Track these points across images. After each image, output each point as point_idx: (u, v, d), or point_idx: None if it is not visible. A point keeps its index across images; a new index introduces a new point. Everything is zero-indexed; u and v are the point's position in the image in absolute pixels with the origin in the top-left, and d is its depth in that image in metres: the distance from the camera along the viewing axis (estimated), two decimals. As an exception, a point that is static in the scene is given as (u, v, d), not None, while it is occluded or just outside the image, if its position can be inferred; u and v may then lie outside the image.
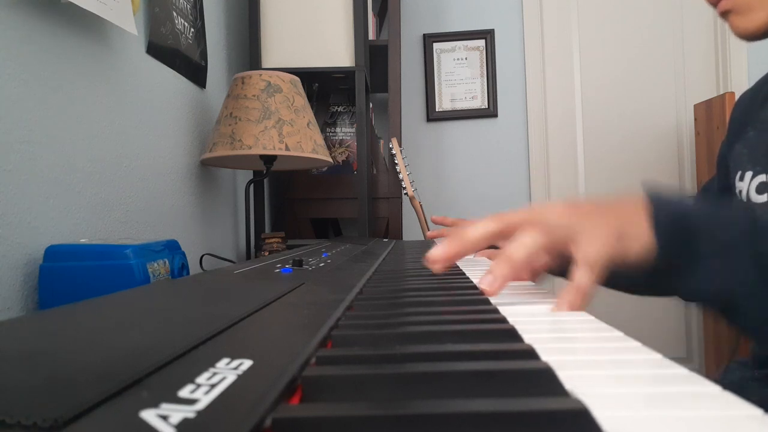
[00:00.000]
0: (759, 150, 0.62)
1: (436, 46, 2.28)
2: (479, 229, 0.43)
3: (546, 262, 0.50)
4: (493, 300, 0.39)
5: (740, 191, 0.64)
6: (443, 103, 2.27)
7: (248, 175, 1.54)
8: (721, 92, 2.13)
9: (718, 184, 0.75)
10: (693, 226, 0.41)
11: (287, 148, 1.11)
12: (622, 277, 0.50)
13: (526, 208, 0.44)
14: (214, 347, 0.23)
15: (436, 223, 1.03)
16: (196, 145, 1.21)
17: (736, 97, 1.88)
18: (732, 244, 0.40)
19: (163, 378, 0.18)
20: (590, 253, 0.40)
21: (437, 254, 0.43)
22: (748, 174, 0.62)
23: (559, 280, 0.57)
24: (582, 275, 0.40)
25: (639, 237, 0.41)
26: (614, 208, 0.43)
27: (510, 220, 0.43)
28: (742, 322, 0.42)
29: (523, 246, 0.40)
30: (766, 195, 0.59)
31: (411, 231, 2.17)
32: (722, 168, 0.73)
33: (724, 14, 0.60)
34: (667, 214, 0.41)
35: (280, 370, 0.20)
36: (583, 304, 0.40)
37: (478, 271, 0.62)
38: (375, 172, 1.77)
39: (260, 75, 1.15)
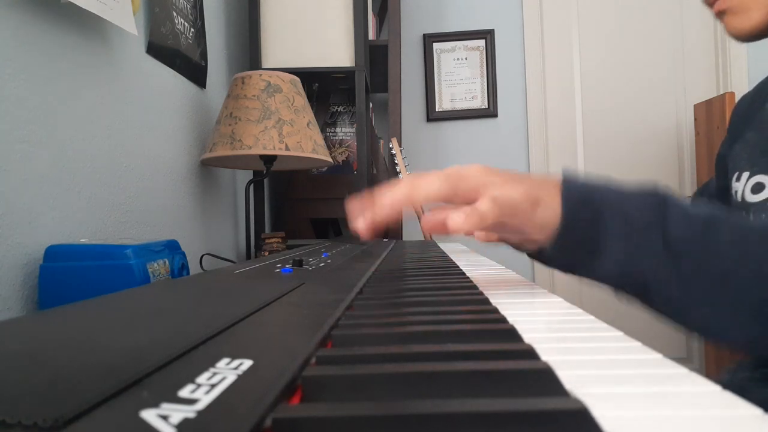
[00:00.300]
0: (757, 150, 0.62)
1: (436, 46, 2.28)
2: (393, 192, 0.43)
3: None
4: (493, 300, 0.39)
5: (736, 191, 0.64)
6: (443, 103, 2.27)
7: (248, 175, 1.54)
8: (721, 92, 2.13)
9: (716, 185, 0.75)
10: (600, 202, 0.41)
11: (287, 148, 1.11)
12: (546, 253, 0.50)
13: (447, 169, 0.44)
14: (214, 347, 0.23)
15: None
16: (196, 145, 1.21)
17: (737, 97, 1.88)
18: (639, 224, 0.40)
19: (163, 378, 0.18)
20: (498, 193, 0.41)
21: (361, 224, 0.43)
22: (745, 174, 0.63)
23: (563, 282, 0.57)
24: (485, 204, 0.40)
25: (549, 205, 0.41)
26: (531, 178, 0.44)
27: (420, 177, 0.43)
28: (655, 305, 0.41)
29: (421, 187, 0.41)
30: (760, 195, 0.60)
31: (411, 231, 2.17)
32: (720, 169, 0.73)
33: (720, 14, 0.60)
34: (577, 189, 0.42)
35: (280, 370, 0.20)
36: (476, 228, 0.40)
37: (477, 271, 0.62)
38: (375, 172, 1.77)
39: (260, 75, 1.15)
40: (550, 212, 0.41)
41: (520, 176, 0.43)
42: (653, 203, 0.40)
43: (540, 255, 0.51)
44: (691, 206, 0.41)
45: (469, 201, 0.42)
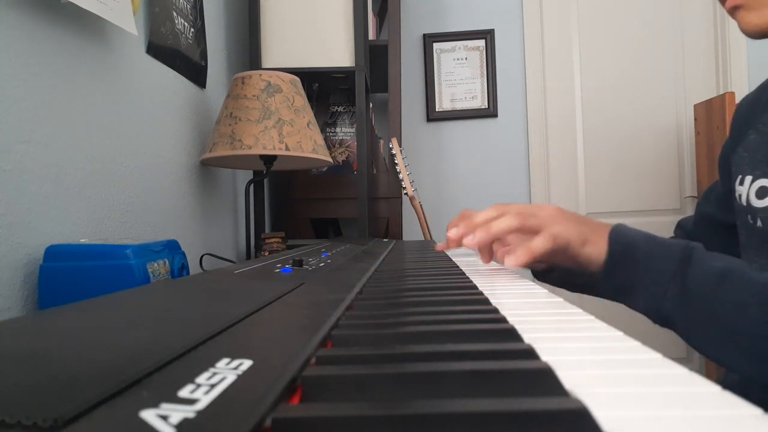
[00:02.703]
0: (759, 154, 0.62)
1: (436, 46, 2.28)
2: (500, 222, 0.56)
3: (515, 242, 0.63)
4: (493, 300, 0.39)
5: (740, 195, 0.63)
6: (443, 103, 2.27)
7: (248, 175, 1.54)
8: (721, 92, 2.13)
9: (721, 186, 0.73)
10: (637, 254, 0.51)
11: (287, 148, 1.11)
12: (573, 278, 0.65)
13: (523, 205, 0.58)
14: (214, 347, 0.23)
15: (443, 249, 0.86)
16: (196, 145, 1.21)
17: (737, 97, 1.88)
18: (662, 272, 0.49)
19: (163, 378, 0.18)
20: (554, 229, 0.53)
21: (453, 235, 0.60)
22: (748, 178, 0.62)
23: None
24: (539, 240, 0.53)
25: (597, 246, 0.53)
26: (590, 222, 0.56)
27: (499, 213, 0.57)
28: (683, 338, 0.50)
29: (496, 226, 0.56)
30: (766, 200, 0.59)
31: (411, 231, 2.17)
32: (724, 170, 0.72)
33: (733, 10, 0.58)
34: (622, 242, 0.53)
35: (280, 370, 0.20)
36: (527, 262, 0.54)
37: (477, 271, 0.62)
38: (375, 172, 1.77)
39: (260, 75, 1.15)
40: (595, 252, 0.53)
41: (581, 218, 0.56)
42: (680, 257, 0.49)
43: (545, 276, 0.69)
44: (713, 258, 0.48)
45: (534, 233, 0.55)
